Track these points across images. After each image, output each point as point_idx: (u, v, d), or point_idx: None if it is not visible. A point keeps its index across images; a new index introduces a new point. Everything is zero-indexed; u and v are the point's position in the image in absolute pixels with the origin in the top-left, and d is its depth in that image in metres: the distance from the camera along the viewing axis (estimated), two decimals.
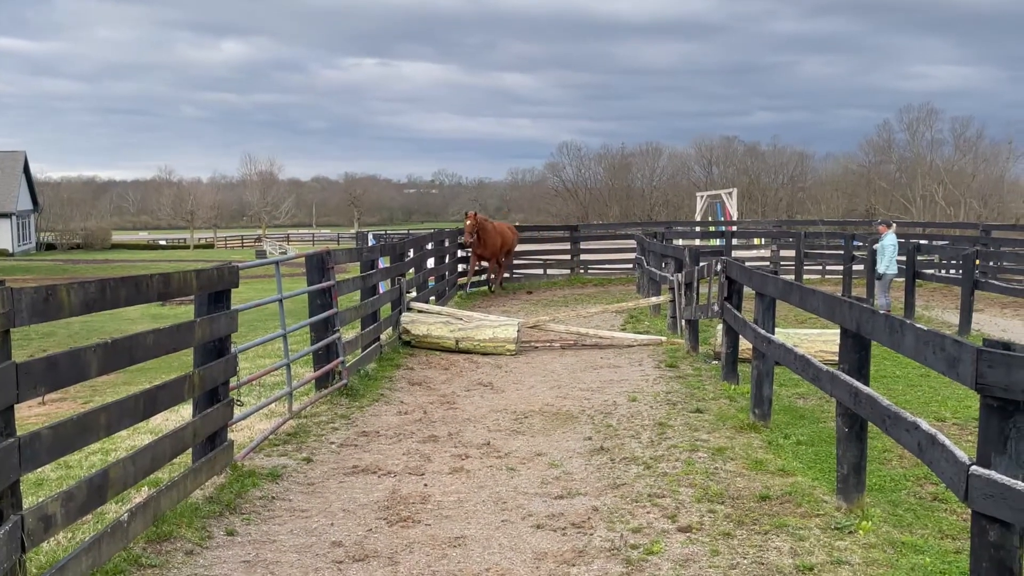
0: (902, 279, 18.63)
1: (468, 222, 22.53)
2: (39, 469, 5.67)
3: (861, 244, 22.93)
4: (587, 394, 11.14)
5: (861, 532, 6.16)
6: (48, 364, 4.77)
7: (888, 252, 17.96)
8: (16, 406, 4.47)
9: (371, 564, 5.85)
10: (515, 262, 26.17)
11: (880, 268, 18.04)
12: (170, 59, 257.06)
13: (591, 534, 6.31)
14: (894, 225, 19.36)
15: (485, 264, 23.57)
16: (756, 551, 5.93)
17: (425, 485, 7.52)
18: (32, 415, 11.69)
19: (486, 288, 23.64)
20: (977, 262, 17.97)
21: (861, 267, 21.32)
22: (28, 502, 4.88)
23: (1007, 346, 4.31)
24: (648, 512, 6.74)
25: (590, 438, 8.98)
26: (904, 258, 18.44)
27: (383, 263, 14.48)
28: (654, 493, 7.15)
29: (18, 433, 4.48)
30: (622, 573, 5.62)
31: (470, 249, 22.85)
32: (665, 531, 6.34)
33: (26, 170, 74.01)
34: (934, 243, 26.29)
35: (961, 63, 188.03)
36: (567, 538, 6.26)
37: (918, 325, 5.40)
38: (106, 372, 5.60)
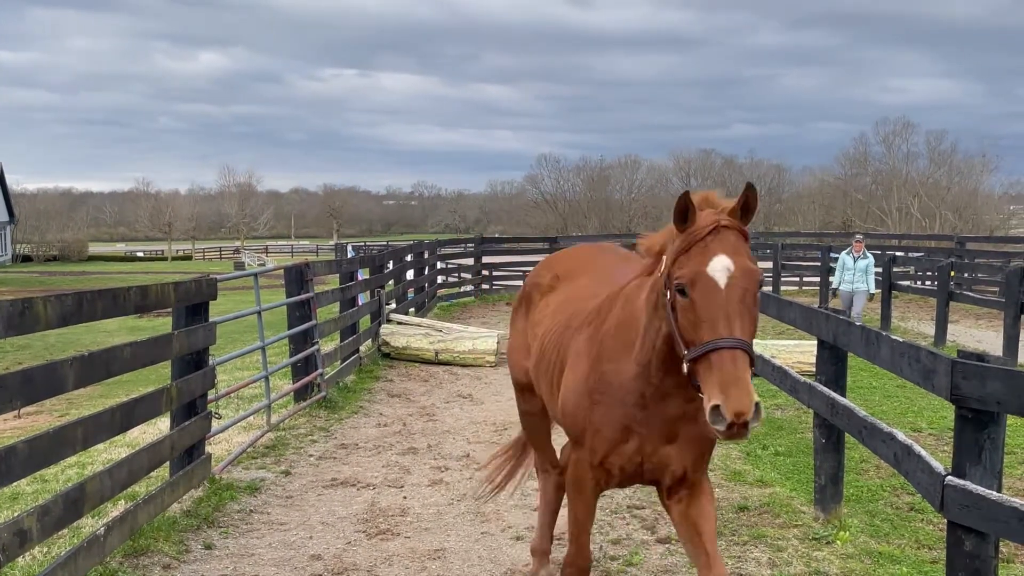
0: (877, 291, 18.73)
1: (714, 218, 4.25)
2: (15, 483, 5.62)
3: (837, 256, 23.05)
4: None
5: (839, 542, 6.19)
6: (24, 378, 4.73)
7: (872, 270, 17.22)
8: None
9: None
10: (495, 274, 25.98)
11: (872, 288, 17.13)
12: (147, 70, 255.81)
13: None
14: None
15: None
16: (735, 562, 5.94)
17: (404, 497, 7.50)
18: (8, 428, 11.59)
19: (467, 299, 23.61)
20: (952, 274, 18.13)
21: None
22: (3, 516, 4.84)
23: (981, 358, 4.34)
24: (627, 523, 6.75)
25: None
26: (880, 270, 18.53)
27: (362, 275, 14.46)
28: (633, 504, 7.16)
29: None
30: None
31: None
32: (644, 542, 6.35)
33: (2, 181, 73.35)
34: (910, 255, 26.49)
35: (939, 76, 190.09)
36: None
37: (894, 337, 5.44)
38: (83, 385, 5.55)
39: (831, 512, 6.66)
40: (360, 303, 13.97)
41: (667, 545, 6.26)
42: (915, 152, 74.56)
